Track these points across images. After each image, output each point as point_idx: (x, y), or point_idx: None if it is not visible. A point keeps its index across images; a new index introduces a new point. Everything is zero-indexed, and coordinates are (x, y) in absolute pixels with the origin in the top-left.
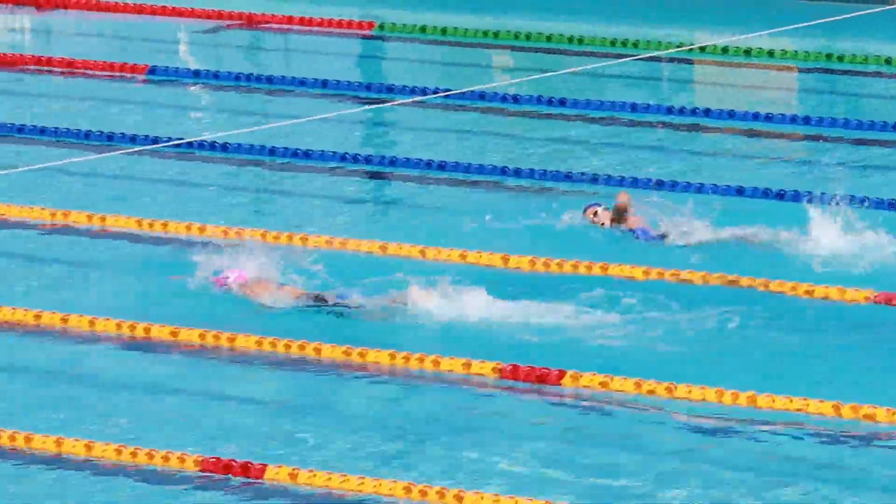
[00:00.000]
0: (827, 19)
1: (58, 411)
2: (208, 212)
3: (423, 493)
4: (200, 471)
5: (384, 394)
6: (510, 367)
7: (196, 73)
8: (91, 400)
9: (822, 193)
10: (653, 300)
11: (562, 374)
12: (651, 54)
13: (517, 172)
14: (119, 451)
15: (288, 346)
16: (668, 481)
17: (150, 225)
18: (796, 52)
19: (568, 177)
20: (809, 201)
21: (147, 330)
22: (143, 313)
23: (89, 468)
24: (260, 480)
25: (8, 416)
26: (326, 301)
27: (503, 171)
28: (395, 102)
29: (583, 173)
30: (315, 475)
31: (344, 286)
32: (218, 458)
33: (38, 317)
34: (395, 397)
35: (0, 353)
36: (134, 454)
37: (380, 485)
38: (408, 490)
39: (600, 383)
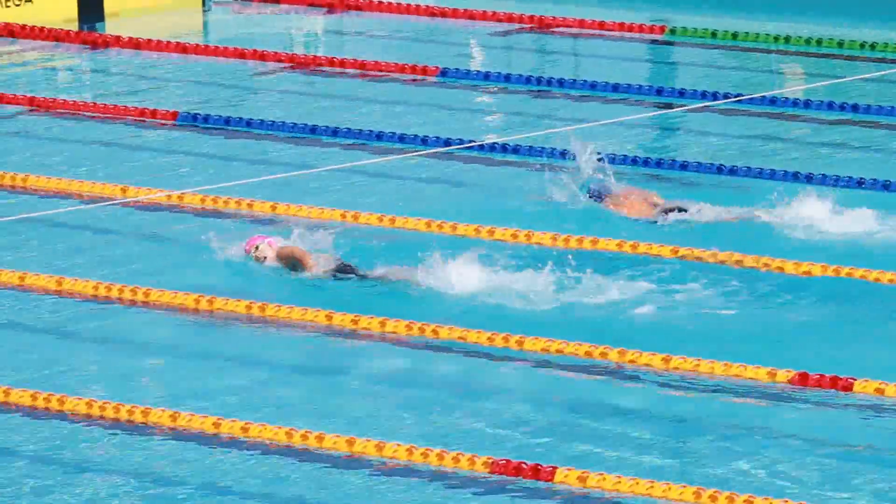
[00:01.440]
0: None
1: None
2: (494, 214)
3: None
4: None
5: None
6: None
7: (486, 76)
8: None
9: None
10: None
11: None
12: None
13: (808, 178)
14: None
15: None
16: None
17: (440, 227)
18: None
19: (860, 184)
20: None
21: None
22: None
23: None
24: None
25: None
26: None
27: (795, 176)
28: (685, 108)
29: (874, 180)
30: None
31: None
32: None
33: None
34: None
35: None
36: (428, 455)
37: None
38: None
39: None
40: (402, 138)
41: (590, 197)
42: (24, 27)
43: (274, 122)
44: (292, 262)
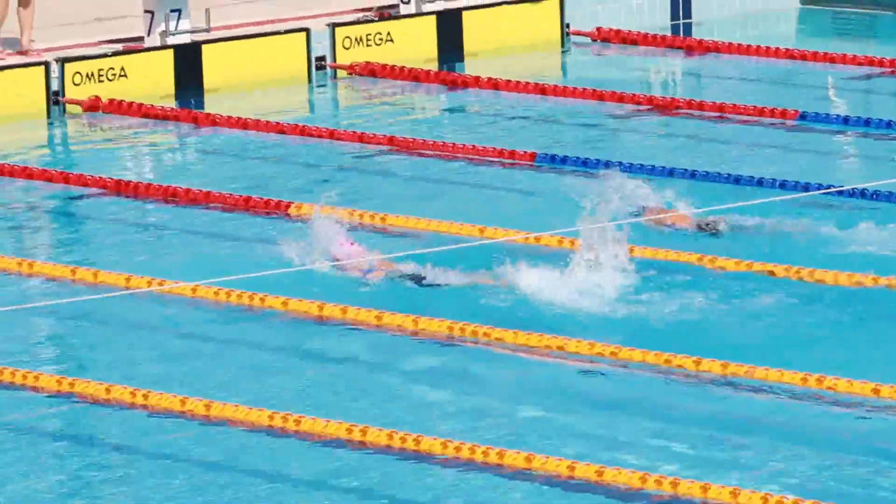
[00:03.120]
0: None
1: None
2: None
3: None
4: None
5: None
6: None
7: (846, 121)
8: None
9: None
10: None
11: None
12: None
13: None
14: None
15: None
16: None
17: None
18: None
19: None
20: None
21: None
22: None
23: None
24: None
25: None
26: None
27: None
28: None
29: None
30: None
31: None
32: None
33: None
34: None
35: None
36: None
37: None
38: None
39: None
40: (760, 182)
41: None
42: (384, 66)
43: (632, 164)
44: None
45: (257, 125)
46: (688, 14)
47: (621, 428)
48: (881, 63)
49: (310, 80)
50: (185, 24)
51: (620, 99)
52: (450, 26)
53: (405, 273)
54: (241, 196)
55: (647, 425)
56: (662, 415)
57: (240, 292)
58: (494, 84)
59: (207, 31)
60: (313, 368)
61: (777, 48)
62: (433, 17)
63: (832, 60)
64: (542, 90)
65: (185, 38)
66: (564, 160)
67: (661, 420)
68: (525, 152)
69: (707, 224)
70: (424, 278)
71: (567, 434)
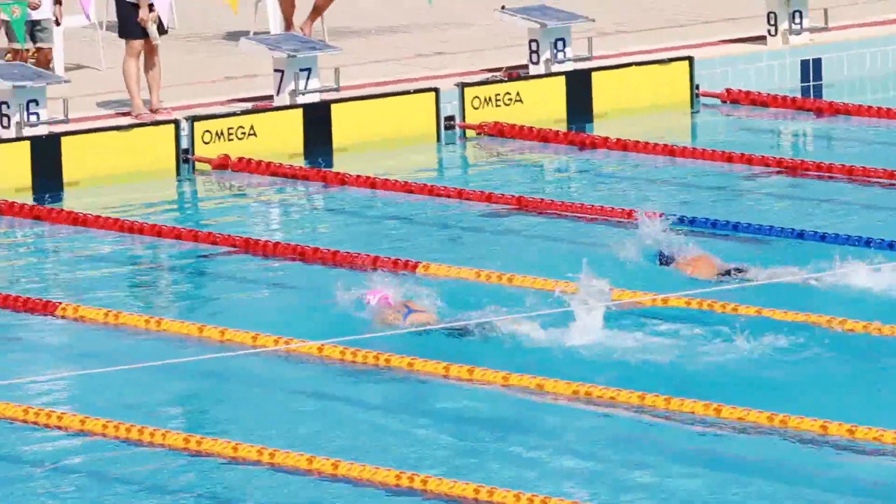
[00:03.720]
0: None
1: None
2: None
3: None
4: None
5: None
6: None
7: None
8: None
9: None
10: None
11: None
12: None
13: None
14: None
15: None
16: None
17: None
18: None
19: None
20: None
21: None
22: None
23: None
24: None
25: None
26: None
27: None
28: None
29: None
30: None
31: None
32: None
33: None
34: None
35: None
36: None
37: None
38: None
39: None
40: (891, 245)
41: (660, 263)
42: (513, 126)
43: (761, 225)
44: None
45: (385, 184)
46: (818, 76)
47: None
48: None
49: (438, 140)
50: (314, 84)
51: (749, 161)
52: (579, 87)
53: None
54: (368, 255)
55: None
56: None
57: (365, 352)
58: (623, 145)
59: (337, 90)
60: (439, 429)
61: None
62: (562, 78)
63: None
64: (670, 151)
65: (314, 97)
66: (693, 221)
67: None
68: (654, 213)
69: (733, 270)
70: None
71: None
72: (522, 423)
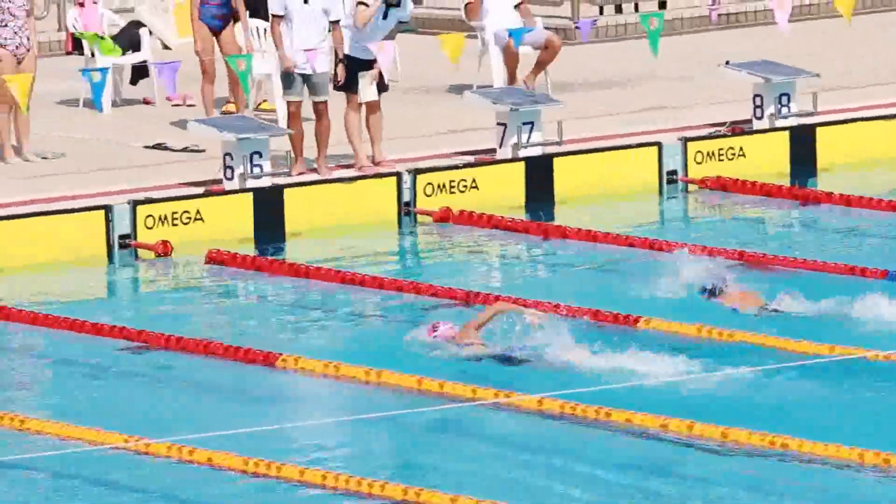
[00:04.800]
0: None
1: None
2: None
3: None
4: None
5: None
6: None
7: None
8: None
9: None
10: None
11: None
12: None
13: None
14: None
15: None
16: None
17: None
18: None
19: None
20: None
21: None
22: None
23: None
24: None
25: None
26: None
27: None
28: None
29: None
30: None
31: None
32: None
33: None
34: None
35: None
36: None
37: None
38: None
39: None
40: None
41: (707, 296)
42: (735, 181)
43: None
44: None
45: (606, 238)
46: None
47: None
48: None
49: (660, 193)
50: (536, 137)
51: None
52: (803, 141)
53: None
54: (588, 308)
55: None
56: None
57: (584, 406)
58: (847, 200)
59: (559, 143)
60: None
61: None
62: (786, 133)
63: None
64: (893, 207)
65: (536, 151)
66: None
67: None
68: (877, 269)
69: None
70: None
71: None
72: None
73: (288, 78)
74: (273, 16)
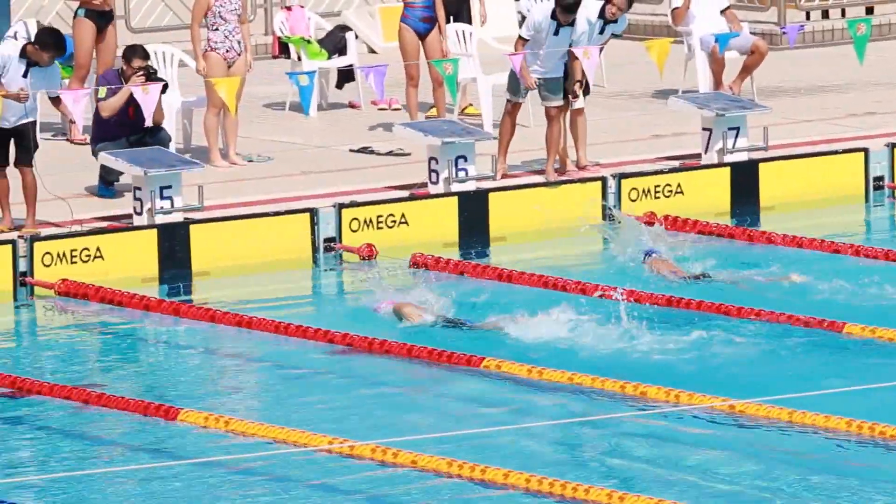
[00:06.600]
0: None
1: None
2: None
3: None
4: None
5: None
6: None
7: None
8: None
9: None
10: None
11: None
12: None
13: None
14: None
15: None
16: None
17: None
18: None
19: None
20: None
21: None
22: None
23: None
24: None
25: None
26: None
27: None
28: None
29: None
30: None
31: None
32: None
33: None
34: None
35: None
36: None
37: None
38: None
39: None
40: None
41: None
42: None
43: None
44: (398, 315)
45: (812, 244)
46: None
47: None
48: None
49: (867, 200)
50: (742, 142)
51: None
52: None
53: None
54: (788, 314)
55: None
56: None
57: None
58: None
59: (765, 149)
60: None
61: None
62: None
63: None
64: None
65: (742, 156)
66: None
67: None
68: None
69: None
70: None
71: None
72: None
73: (516, 83)
74: (519, 37)
